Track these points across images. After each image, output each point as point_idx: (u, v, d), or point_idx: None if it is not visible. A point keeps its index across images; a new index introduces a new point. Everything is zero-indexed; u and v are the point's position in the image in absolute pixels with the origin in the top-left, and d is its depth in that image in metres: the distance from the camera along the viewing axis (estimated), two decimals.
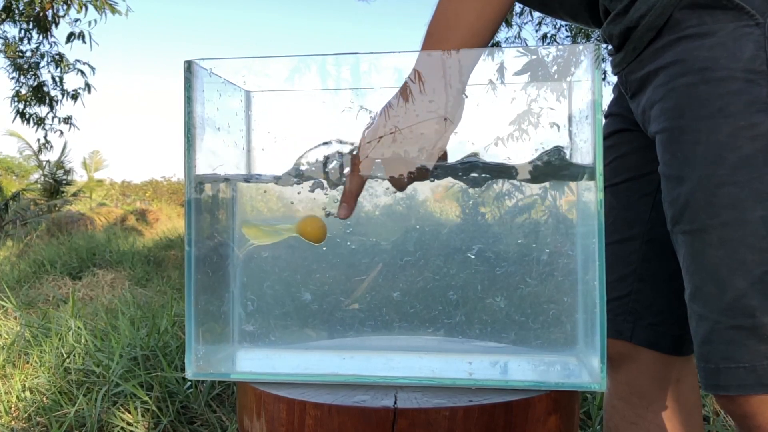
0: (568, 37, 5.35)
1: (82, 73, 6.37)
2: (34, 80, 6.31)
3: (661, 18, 0.67)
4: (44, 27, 5.76)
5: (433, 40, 0.71)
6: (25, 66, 6.22)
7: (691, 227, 0.64)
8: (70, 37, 5.74)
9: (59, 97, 6.44)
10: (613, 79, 0.83)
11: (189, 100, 0.65)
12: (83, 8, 5.52)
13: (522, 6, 5.00)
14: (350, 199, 0.67)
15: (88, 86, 6.41)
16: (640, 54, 0.71)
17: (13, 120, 6.50)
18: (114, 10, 5.62)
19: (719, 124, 0.62)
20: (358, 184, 0.67)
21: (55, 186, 12.55)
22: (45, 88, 6.35)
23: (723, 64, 0.63)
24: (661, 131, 0.68)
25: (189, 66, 0.65)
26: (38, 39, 6.09)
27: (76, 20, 5.77)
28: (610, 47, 0.80)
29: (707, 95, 0.63)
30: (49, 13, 5.60)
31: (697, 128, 0.63)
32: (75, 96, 6.43)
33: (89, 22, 5.73)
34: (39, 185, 12.87)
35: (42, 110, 6.51)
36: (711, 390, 0.64)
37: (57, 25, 5.84)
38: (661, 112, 0.67)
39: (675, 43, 0.67)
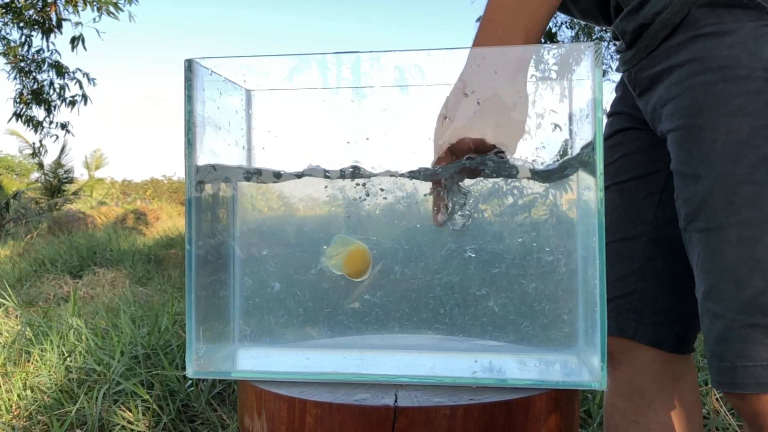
0: (571, 37, 5.34)
1: (80, 84, 6.40)
2: (34, 84, 6.32)
3: (678, 15, 0.67)
4: (48, 29, 5.76)
5: (493, 29, 0.69)
6: (26, 69, 6.23)
7: (707, 225, 0.64)
8: (74, 41, 5.75)
9: (57, 103, 6.47)
10: (614, 77, 0.83)
11: (189, 98, 0.65)
12: (87, 5, 5.53)
13: None
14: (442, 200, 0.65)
15: (85, 97, 6.44)
16: (652, 51, 0.71)
17: (9, 120, 6.52)
18: (114, 10, 5.62)
19: (739, 123, 0.62)
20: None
21: (56, 185, 12.56)
22: (44, 91, 6.36)
23: (743, 63, 0.62)
24: (675, 129, 0.67)
25: (189, 65, 0.65)
26: (40, 43, 6.12)
27: (78, 24, 5.78)
28: (618, 44, 0.79)
29: (727, 93, 0.63)
30: (53, 15, 5.59)
31: (715, 126, 0.63)
32: (72, 102, 6.45)
33: (93, 18, 5.75)
34: (40, 184, 12.87)
35: (40, 113, 6.54)
36: (725, 388, 0.64)
37: (60, 28, 5.84)
38: (676, 109, 0.67)
39: (692, 41, 0.66)
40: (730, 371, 0.63)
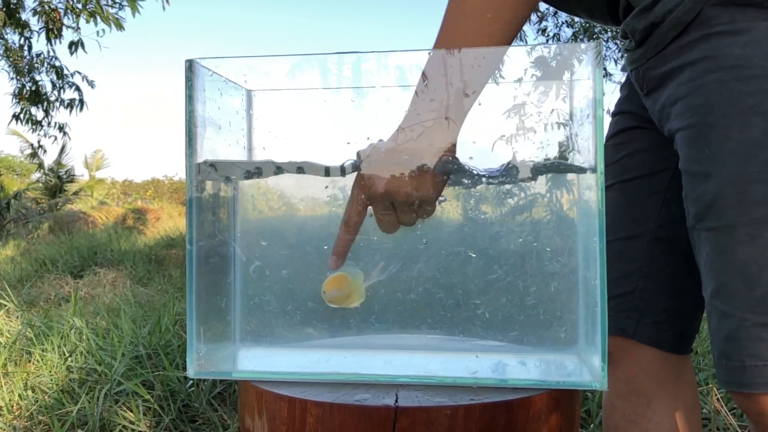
0: (570, 37, 5.34)
1: (78, 89, 6.39)
2: (33, 84, 6.32)
3: (690, 14, 0.67)
4: (52, 35, 5.77)
5: (450, 35, 0.69)
6: (24, 69, 6.22)
7: (718, 224, 0.64)
8: (72, 45, 5.75)
9: (56, 104, 6.47)
10: (616, 78, 0.83)
11: (190, 99, 0.65)
12: (92, 18, 5.53)
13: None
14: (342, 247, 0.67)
15: (81, 102, 6.44)
16: (662, 50, 0.71)
17: (9, 123, 6.52)
18: (119, 26, 5.62)
19: (751, 122, 0.62)
20: (359, 213, 0.67)
21: (57, 185, 12.57)
22: (42, 92, 6.36)
23: (756, 62, 0.62)
24: (686, 127, 0.67)
25: (190, 65, 0.65)
26: (42, 47, 6.13)
27: (78, 28, 5.77)
28: (626, 43, 0.79)
29: (740, 92, 0.63)
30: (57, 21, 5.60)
31: (727, 125, 0.63)
32: (70, 105, 6.45)
33: (97, 32, 5.74)
34: (40, 184, 12.89)
35: (38, 113, 6.54)
36: (733, 387, 0.64)
37: (60, 35, 5.84)
38: (687, 108, 0.67)
39: (704, 40, 0.66)
40: (739, 370, 0.63)
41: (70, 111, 6.45)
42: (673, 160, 0.71)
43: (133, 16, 5.49)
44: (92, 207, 12.23)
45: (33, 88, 6.31)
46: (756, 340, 0.61)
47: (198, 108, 0.66)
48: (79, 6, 5.45)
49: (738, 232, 0.62)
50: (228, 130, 0.72)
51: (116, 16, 5.57)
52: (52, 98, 6.42)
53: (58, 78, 6.30)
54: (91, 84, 6.52)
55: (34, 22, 5.79)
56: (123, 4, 5.59)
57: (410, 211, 0.66)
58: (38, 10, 5.58)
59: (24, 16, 5.67)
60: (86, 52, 5.93)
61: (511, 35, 0.69)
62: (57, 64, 6.28)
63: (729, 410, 1.58)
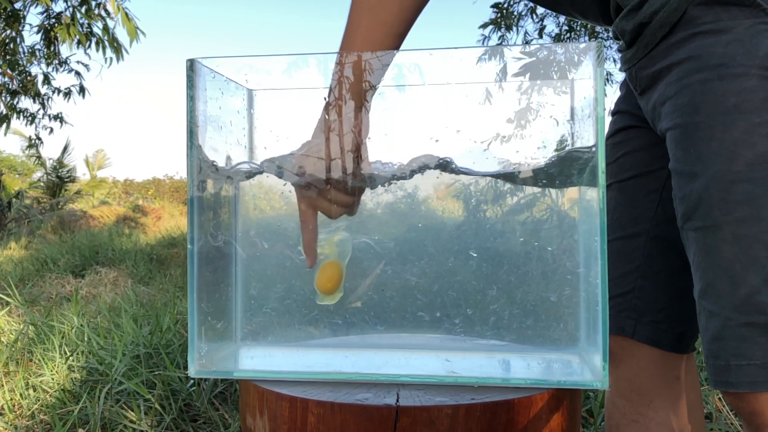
0: (565, 31, 5.32)
1: (78, 74, 6.34)
2: (24, 77, 6.28)
3: (676, 14, 0.67)
4: (52, 53, 5.78)
5: (345, 35, 0.72)
6: (14, 61, 6.15)
7: (703, 223, 0.64)
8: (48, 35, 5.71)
9: (50, 94, 6.43)
10: (617, 77, 0.83)
11: (191, 98, 0.65)
12: (99, 45, 5.51)
13: (527, 7, 4.98)
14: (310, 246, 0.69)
15: (82, 89, 6.39)
16: (651, 50, 0.71)
17: (2, 114, 6.46)
18: (120, 55, 5.60)
19: (735, 121, 0.62)
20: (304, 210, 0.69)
21: (58, 184, 12.58)
22: (35, 84, 6.32)
23: (739, 61, 0.62)
24: (673, 127, 0.67)
25: (191, 65, 0.65)
26: (36, 39, 6.09)
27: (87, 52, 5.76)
28: (620, 44, 0.79)
29: (723, 91, 0.63)
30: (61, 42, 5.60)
31: (711, 124, 0.63)
32: (67, 94, 6.41)
33: (105, 59, 5.71)
34: (42, 183, 12.90)
35: (33, 107, 6.51)
36: (720, 387, 0.64)
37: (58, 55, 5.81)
38: (674, 108, 0.67)
39: (689, 40, 0.66)
40: (725, 370, 0.63)
41: (67, 99, 6.40)
42: (668, 158, 0.71)
43: (130, 44, 5.43)
44: (93, 206, 12.24)
45: (25, 80, 6.26)
46: (740, 340, 0.61)
47: (199, 107, 0.66)
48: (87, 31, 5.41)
49: (723, 232, 0.62)
50: (229, 130, 0.72)
51: (120, 43, 5.55)
52: (43, 90, 6.37)
53: (59, 64, 6.23)
54: (87, 67, 6.48)
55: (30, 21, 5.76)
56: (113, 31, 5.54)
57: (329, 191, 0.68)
58: (45, 25, 5.55)
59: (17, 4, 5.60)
60: (87, 53, 5.91)
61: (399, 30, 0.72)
62: (52, 51, 6.21)
63: (731, 409, 1.58)
